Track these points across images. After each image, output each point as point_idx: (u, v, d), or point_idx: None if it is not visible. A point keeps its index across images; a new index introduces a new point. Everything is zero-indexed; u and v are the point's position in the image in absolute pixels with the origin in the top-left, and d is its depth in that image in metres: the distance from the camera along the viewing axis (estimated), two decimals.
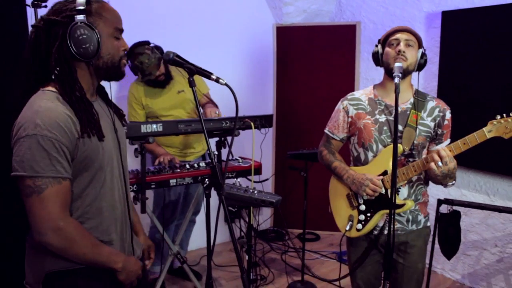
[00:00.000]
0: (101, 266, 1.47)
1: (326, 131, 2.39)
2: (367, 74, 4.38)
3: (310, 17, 4.61)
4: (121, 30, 1.52)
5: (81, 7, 1.38)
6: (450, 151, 1.91)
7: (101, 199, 1.50)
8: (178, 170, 2.72)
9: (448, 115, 2.16)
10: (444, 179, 1.99)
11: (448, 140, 2.18)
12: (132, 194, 2.39)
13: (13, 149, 1.35)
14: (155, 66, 3.07)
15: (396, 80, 1.90)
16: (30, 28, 2.63)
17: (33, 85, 1.44)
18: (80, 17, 1.37)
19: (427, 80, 3.66)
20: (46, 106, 1.35)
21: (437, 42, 3.53)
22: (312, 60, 4.54)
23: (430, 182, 2.24)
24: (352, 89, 4.44)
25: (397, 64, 1.99)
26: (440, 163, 1.90)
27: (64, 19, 1.38)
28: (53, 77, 1.43)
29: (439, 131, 2.15)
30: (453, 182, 2.04)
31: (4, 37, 2.53)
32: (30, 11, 2.62)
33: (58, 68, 1.39)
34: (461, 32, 3.34)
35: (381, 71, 2.21)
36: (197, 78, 3.32)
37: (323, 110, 4.50)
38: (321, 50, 4.50)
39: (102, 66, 1.48)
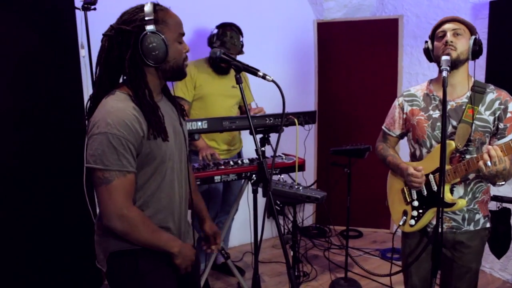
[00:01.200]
0: (160, 249, 1.61)
1: (383, 127, 2.39)
2: (411, 68, 4.29)
3: (351, 12, 4.55)
4: (183, 34, 1.63)
5: (150, 17, 1.51)
6: (501, 151, 1.82)
7: (161, 191, 1.65)
8: (223, 167, 2.76)
9: (511, 107, 2.01)
10: (493, 179, 1.92)
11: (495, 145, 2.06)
12: None
13: (87, 143, 1.52)
14: (236, 50, 3.16)
15: (444, 73, 1.85)
16: (79, 31, 2.75)
17: (107, 87, 1.59)
18: (150, 27, 1.50)
19: (471, 70, 3.55)
20: (117, 106, 1.51)
21: (485, 34, 3.42)
22: (354, 56, 4.49)
23: None
24: (395, 85, 4.37)
25: (443, 58, 1.93)
26: (489, 163, 1.82)
27: (135, 29, 1.51)
28: (121, 81, 1.59)
29: (501, 125, 2.02)
30: (502, 182, 1.95)
31: (55, 40, 2.63)
32: (80, 14, 2.72)
33: (130, 74, 1.53)
34: (510, 22, 3.22)
35: (424, 65, 2.18)
36: (245, 88, 3.38)
37: (366, 106, 4.48)
38: (363, 45, 4.45)
39: (169, 69, 1.60)
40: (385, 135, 2.38)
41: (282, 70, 4.39)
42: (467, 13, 3.63)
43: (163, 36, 1.52)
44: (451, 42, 1.98)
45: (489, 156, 1.82)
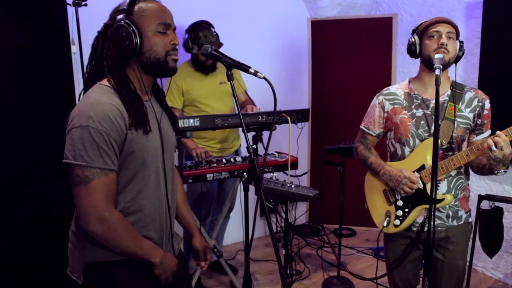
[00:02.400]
0: (140, 258, 1.52)
1: (361, 126, 2.36)
2: (404, 67, 4.30)
3: (345, 10, 4.55)
4: (168, 25, 1.52)
5: (123, 7, 1.47)
6: (506, 135, 1.82)
7: (143, 197, 1.54)
8: (215, 165, 2.75)
9: (487, 104, 2.09)
10: (497, 165, 1.90)
11: (489, 131, 2.11)
12: None
13: (66, 137, 1.42)
14: (215, 46, 3.13)
15: (437, 71, 1.84)
16: (71, 27, 2.73)
17: (91, 81, 1.53)
18: (120, 16, 1.45)
19: (467, 72, 3.56)
20: (100, 99, 1.42)
21: (478, 33, 3.42)
22: (348, 54, 4.49)
23: (471, 176, 2.18)
24: (389, 83, 4.36)
25: (437, 56, 1.93)
26: (494, 147, 1.81)
27: (112, 21, 1.49)
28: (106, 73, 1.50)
29: (479, 122, 2.09)
30: (505, 170, 1.95)
31: (46, 36, 2.60)
32: (71, 9, 2.69)
33: (108, 66, 1.47)
34: (504, 22, 3.23)
35: (417, 64, 2.17)
36: (237, 74, 3.38)
37: (359, 104, 4.45)
38: (357, 43, 4.44)
39: (146, 62, 1.51)
40: (364, 134, 2.35)
41: (275, 68, 4.38)
42: (461, 12, 3.63)
43: (135, 25, 1.44)
44: (447, 45, 1.99)
45: (494, 141, 1.81)
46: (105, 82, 1.50)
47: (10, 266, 2.56)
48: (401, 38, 4.29)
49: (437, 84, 1.81)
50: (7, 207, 2.52)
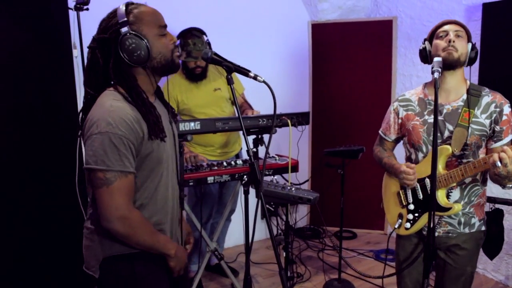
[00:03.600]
0: (157, 252, 1.60)
1: (379, 131, 2.40)
2: (404, 70, 4.30)
3: (346, 14, 4.56)
4: (165, 26, 1.60)
5: (123, 19, 1.50)
6: None
7: (158, 193, 1.63)
8: (216, 168, 2.76)
9: (506, 109, 2.01)
10: (503, 180, 1.89)
11: (510, 136, 2.03)
12: None
13: (85, 143, 1.50)
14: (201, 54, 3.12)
15: (436, 75, 1.84)
16: (72, 31, 2.75)
17: (94, 95, 1.58)
18: (124, 29, 1.49)
19: (467, 75, 3.55)
20: (116, 105, 1.49)
21: (478, 36, 3.43)
22: (348, 57, 4.50)
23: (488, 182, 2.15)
24: (389, 86, 4.38)
25: (435, 59, 1.92)
26: (498, 163, 1.78)
27: (112, 35, 1.51)
28: (112, 83, 1.56)
29: (497, 128, 2.02)
30: None
31: (47, 40, 2.62)
32: (72, 14, 2.71)
33: (119, 80, 1.53)
34: (503, 24, 3.24)
35: (418, 67, 2.17)
36: (234, 77, 3.38)
37: (360, 107, 4.48)
38: (357, 46, 4.46)
39: (157, 65, 1.59)
40: (382, 139, 2.39)
41: (276, 71, 4.40)
42: (460, 15, 3.64)
43: (140, 34, 1.51)
44: (454, 42, 1.98)
45: (500, 158, 1.78)
46: (116, 89, 1.55)
47: (9, 266, 2.57)
48: (401, 41, 4.30)
49: (436, 88, 1.80)
50: (11, 207, 2.54)
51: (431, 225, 1.85)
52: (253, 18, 4.12)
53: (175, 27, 3.22)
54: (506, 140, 2.03)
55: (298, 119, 2.75)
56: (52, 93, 2.67)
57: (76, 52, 2.87)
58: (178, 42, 3.15)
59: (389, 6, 4.40)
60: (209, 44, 3.20)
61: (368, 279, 3.56)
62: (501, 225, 2.78)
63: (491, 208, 2.77)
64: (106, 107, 1.48)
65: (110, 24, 1.53)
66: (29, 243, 2.64)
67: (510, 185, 1.93)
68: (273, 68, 4.36)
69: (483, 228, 2.17)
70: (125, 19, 1.50)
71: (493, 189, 3.44)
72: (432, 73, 1.91)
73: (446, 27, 2.03)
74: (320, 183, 4.75)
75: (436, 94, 1.81)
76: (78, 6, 2.60)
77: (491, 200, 2.77)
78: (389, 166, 2.26)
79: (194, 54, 3.08)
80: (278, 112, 2.70)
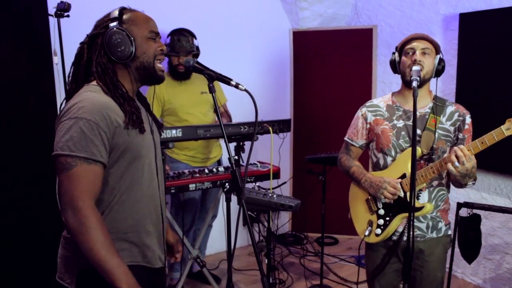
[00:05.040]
0: (105, 275, 1.37)
1: (345, 138, 2.41)
2: (384, 77, 4.37)
3: (327, 22, 4.62)
4: (157, 33, 1.61)
5: (114, 16, 1.52)
6: (468, 150, 1.88)
7: (138, 189, 1.56)
8: (198, 175, 2.76)
9: (468, 119, 2.14)
10: (464, 179, 1.96)
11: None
12: None
13: (55, 131, 1.44)
14: (185, 52, 3.19)
15: (414, 83, 1.90)
16: (53, 38, 2.73)
17: (76, 88, 1.55)
18: (113, 24, 1.50)
19: (445, 83, 3.64)
20: (91, 95, 1.46)
21: (455, 45, 3.51)
22: (329, 64, 4.55)
23: (451, 187, 2.23)
24: (369, 93, 4.43)
25: (414, 68, 1.98)
26: (457, 163, 1.87)
27: (102, 30, 1.52)
28: (93, 78, 1.54)
29: (460, 136, 2.13)
30: (473, 182, 2.01)
31: (27, 47, 2.60)
32: (53, 20, 2.70)
33: (98, 72, 1.51)
34: (479, 34, 3.32)
35: (398, 74, 2.21)
36: (217, 86, 3.42)
37: (341, 114, 4.51)
38: (338, 54, 4.51)
39: (140, 66, 1.57)
40: (348, 145, 2.39)
41: (258, 78, 4.42)
42: (438, 24, 3.72)
43: (128, 32, 1.51)
44: (420, 61, 2.04)
45: (457, 156, 1.87)
46: (94, 83, 1.52)
47: None
48: (381, 49, 4.37)
49: (414, 95, 1.86)
50: None
51: (410, 226, 1.89)
52: (235, 25, 4.14)
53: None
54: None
55: (279, 126, 2.77)
56: (32, 100, 2.65)
57: (56, 59, 2.85)
58: (168, 40, 3.19)
59: (369, 15, 4.47)
60: (197, 47, 3.26)
61: (349, 284, 3.58)
62: (479, 230, 2.85)
63: (469, 213, 2.83)
64: (81, 97, 1.45)
65: (102, 21, 1.55)
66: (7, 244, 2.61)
67: (471, 183, 2.01)
68: (255, 76, 4.38)
69: (449, 232, 2.23)
70: (116, 16, 1.52)
71: (471, 195, 3.52)
72: (407, 83, 2.04)
73: (413, 44, 2.08)
74: (301, 189, 4.78)
75: (415, 101, 1.87)
76: (59, 12, 2.58)
77: (468, 205, 2.83)
78: (359, 176, 2.25)
79: (176, 49, 3.15)
80: (259, 119, 2.73)
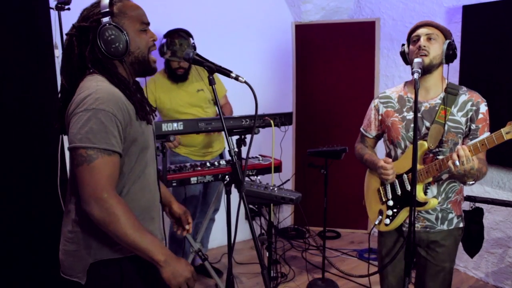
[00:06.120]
0: (142, 253, 1.43)
1: (361, 128, 2.43)
2: (387, 71, 4.35)
3: (329, 15, 4.59)
4: (147, 24, 1.59)
5: (106, 10, 1.47)
6: (469, 151, 1.85)
7: (144, 178, 1.58)
8: (199, 168, 2.76)
9: (483, 108, 2.06)
10: (462, 178, 1.95)
11: (486, 134, 2.06)
12: None
13: (69, 124, 1.42)
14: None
15: (415, 76, 1.89)
16: (54, 30, 2.72)
17: (71, 83, 1.53)
18: (105, 19, 1.47)
19: (448, 75, 3.60)
20: (103, 85, 1.45)
21: (458, 37, 3.49)
22: (331, 58, 4.53)
23: None
24: (372, 86, 4.42)
25: (416, 60, 1.97)
26: (457, 162, 1.84)
27: (92, 23, 1.48)
28: (92, 71, 1.51)
29: (473, 126, 2.06)
30: (472, 182, 1.98)
31: (29, 39, 2.59)
32: (54, 13, 2.69)
33: (98, 68, 1.49)
34: (482, 26, 3.29)
35: (400, 67, 2.21)
36: (215, 79, 3.40)
37: (343, 107, 4.52)
38: (340, 47, 4.49)
39: (134, 61, 1.56)
40: (363, 136, 2.43)
41: (260, 71, 4.41)
42: (441, 17, 3.69)
43: (121, 27, 1.48)
44: (424, 46, 2.02)
45: (458, 155, 1.84)
46: (98, 75, 1.50)
47: None
48: (383, 42, 4.34)
49: (416, 88, 1.85)
50: None
51: (412, 219, 1.88)
52: (237, 18, 4.12)
53: (154, 27, 3.21)
54: (482, 137, 2.05)
55: (281, 119, 2.76)
56: (34, 94, 2.65)
57: (57, 52, 2.84)
58: (164, 40, 3.16)
59: (372, 8, 4.44)
60: (194, 47, 3.21)
61: (351, 278, 3.59)
62: (481, 224, 2.84)
63: (472, 207, 2.82)
64: (93, 87, 1.42)
65: (92, 13, 1.50)
66: (6, 246, 2.60)
67: (471, 182, 1.98)
68: (257, 69, 4.37)
69: (461, 225, 2.20)
70: (108, 10, 1.48)
71: (473, 189, 3.50)
72: (412, 74, 1.95)
73: (418, 31, 2.07)
74: (303, 183, 4.77)
75: (416, 94, 1.86)
76: (59, 5, 2.57)
77: (471, 199, 2.82)
78: (370, 162, 2.31)
79: (179, 54, 3.10)
80: (261, 112, 2.72)
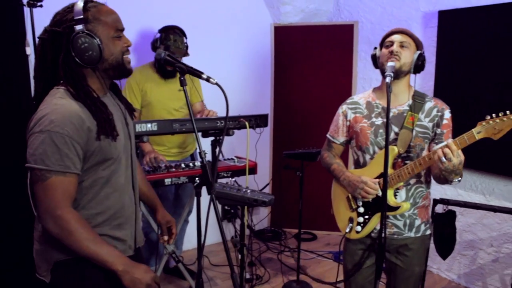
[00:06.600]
0: (101, 264, 1.46)
1: (327, 135, 2.41)
2: (365, 73, 4.38)
3: (308, 17, 4.60)
4: (122, 30, 1.57)
5: (79, 16, 1.45)
6: (455, 145, 1.85)
7: (110, 187, 1.58)
8: (173, 170, 2.73)
9: (447, 114, 2.12)
10: (450, 175, 1.93)
11: (450, 140, 2.08)
12: None
13: (27, 141, 1.44)
14: (180, 53, 3.17)
15: (388, 79, 1.89)
16: (27, 28, 2.66)
17: (44, 89, 1.53)
18: (79, 27, 1.45)
19: (424, 80, 3.66)
20: (61, 103, 1.44)
21: (434, 42, 3.53)
22: (310, 60, 4.54)
23: (432, 183, 2.22)
24: (350, 89, 4.44)
25: (389, 64, 1.99)
26: (443, 159, 1.84)
27: (65, 30, 1.46)
28: (61, 81, 1.51)
29: (438, 131, 2.11)
30: (459, 179, 1.97)
31: (1, 36, 2.54)
32: (25, 10, 2.63)
33: (67, 76, 1.48)
34: (457, 31, 3.34)
35: (378, 70, 2.21)
36: (197, 83, 3.41)
37: (321, 110, 4.53)
38: (319, 49, 4.50)
39: (109, 67, 1.55)
40: (330, 142, 2.39)
41: (238, 73, 4.38)
42: (418, 21, 3.73)
43: (95, 34, 1.46)
44: (397, 52, 2.04)
45: (444, 153, 1.84)
46: (62, 88, 1.50)
47: None
48: (361, 45, 4.38)
49: (388, 92, 1.86)
50: None
51: (382, 226, 1.89)
52: (216, 19, 4.10)
53: (130, 27, 3.18)
54: (447, 142, 2.11)
55: (256, 121, 2.75)
56: (6, 92, 2.59)
57: (28, 50, 2.78)
58: (158, 35, 3.17)
59: (351, 11, 4.47)
60: (186, 47, 3.24)
61: (325, 280, 3.60)
62: (454, 226, 2.88)
63: (445, 210, 2.85)
64: (51, 105, 1.43)
65: (65, 18, 1.47)
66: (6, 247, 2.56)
67: (457, 179, 1.97)
68: (235, 70, 4.35)
69: (428, 232, 2.22)
70: (82, 16, 1.45)
71: (447, 191, 3.55)
72: (384, 77, 1.97)
73: (392, 37, 2.09)
74: (280, 185, 4.77)
75: (389, 97, 1.86)
76: (32, 2, 2.51)
77: (444, 202, 2.85)
78: (339, 173, 2.27)
79: (172, 49, 3.10)
80: (238, 113, 2.71)
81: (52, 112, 1.41)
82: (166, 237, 1.94)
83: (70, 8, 1.49)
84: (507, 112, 1.81)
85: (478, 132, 1.83)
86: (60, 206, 1.42)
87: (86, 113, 1.47)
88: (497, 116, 1.81)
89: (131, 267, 1.49)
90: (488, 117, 1.83)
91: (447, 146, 1.85)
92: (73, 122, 1.42)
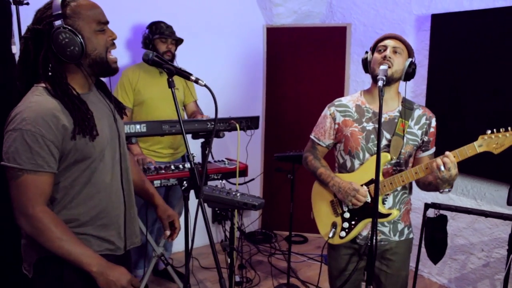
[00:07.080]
0: (75, 264, 1.45)
1: (312, 136, 2.32)
2: (357, 76, 4.37)
3: (301, 19, 4.58)
4: (105, 23, 1.53)
5: (58, 12, 1.42)
6: (454, 157, 1.87)
7: (92, 187, 1.54)
8: (163, 171, 2.69)
9: (433, 122, 2.15)
10: (443, 185, 1.94)
11: (434, 148, 2.17)
12: None
13: (3, 139, 1.43)
14: (175, 37, 3.24)
15: (380, 83, 1.86)
16: (14, 26, 2.61)
17: (26, 87, 1.50)
18: (57, 22, 1.42)
19: (416, 83, 3.65)
20: (36, 100, 1.42)
21: (427, 45, 3.52)
22: (302, 62, 4.52)
23: (413, 190, 2.23)
24: (342, 91, 4.42)
25: (381, 67, 1.96)
26: (442, 168, 1.85)
27: (45, 26, 1.43)
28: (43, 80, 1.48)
29: (426, 139, 2.13)
30: (450, 188, 1.99)
31: None
32: (12, 9, 2.59)
33: (45, 74, 1.45)
34: (450, 35, 3.34)
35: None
36: (190, 85, 3.38)
37: (313, 112, 4.47)
38: (311, 51, 4.48)
39: (93, 63, 1.51)
40: (314, 144, 2.31)
41: (230, 74, 4.35)
42: (411, 24, 3.72)
43: (75, 29, 1.43)
44: (390, 58, 2.02)
45: (444, 162, 1.85)
46: (42, 84, 1.47)
47: None
48: (354, 48, 4.36)
49: (380, 96, 1.82)
50: None
51: (374, 232, 1.86)
52: (208, 20, 4.07)
53: (119, 25, 3.15)
54: (432, 150, 2.17)
55: (247, 123, 2.72)
56: None
57: (14, 49, 2.73)
58: (147, 30, 3.19)
59: (344, 13, 4.45)
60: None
61: (316, 283, 3.57)
62: (445, 231, 2.87)
63: (436, 214, 2.84)
64: (26, 103, 1.42)
65: (44, 15, 1.45)
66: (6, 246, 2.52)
67: (448, 189, 1.99)
68: (228, 71, 4.32)
69: (411, 235, 2.23)
70: (60, 12, 1.42)
71: (438, 196, 3.54)
72: (377, 81, 1.93)
73: (386, 42, 2.07)
74: (271, 187, 4.75)
75: (381, 102, 1.83)
76: (18, 0, 2.47)
77: (435, 206, 2.84)
78: (327, 178, 2.19)
79: (166, 33, 3.16)
80: (229, 115, 2.69)
81: (26, 110, 1.40)
82: (168, 232, 1.91)
83: (49, 4, 1.46)
84: (509, 128, 1.84)
85: (479, 145, 1.86)
86: (31, 204, 1.41)
87: (64, 111, 1.44)
88: (498, 131, 1.84)
89: (106, 268, 1.47)
90: (489, 132, 1.86)
91: (446, 156, 1.86)
92: (46, 120, 1.40)
